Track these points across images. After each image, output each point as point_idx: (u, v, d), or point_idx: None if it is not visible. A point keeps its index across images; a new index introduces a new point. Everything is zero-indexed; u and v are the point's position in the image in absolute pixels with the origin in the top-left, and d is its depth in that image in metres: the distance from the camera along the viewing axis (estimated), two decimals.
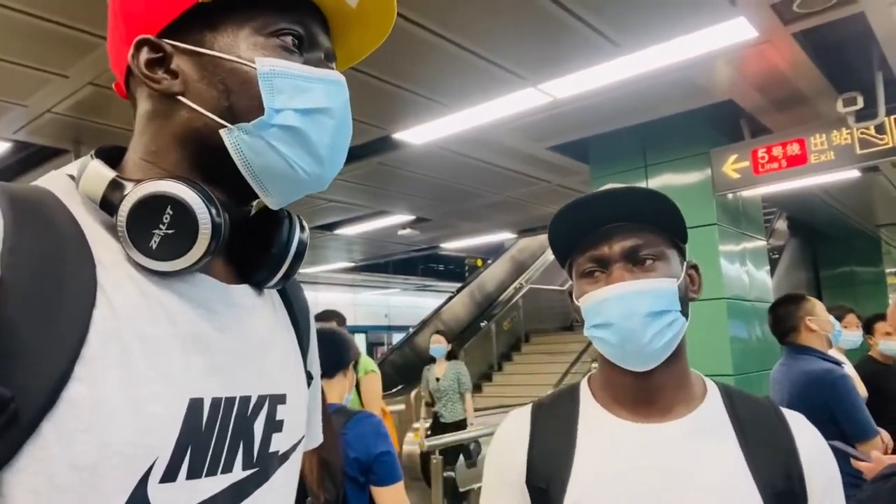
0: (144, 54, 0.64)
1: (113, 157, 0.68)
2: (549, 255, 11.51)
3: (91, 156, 0.65)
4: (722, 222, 4.78)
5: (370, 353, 16.35)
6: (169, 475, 0.57)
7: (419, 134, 4.64)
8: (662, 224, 0.95)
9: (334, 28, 0.72)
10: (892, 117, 4.02)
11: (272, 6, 0.66)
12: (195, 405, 0.60)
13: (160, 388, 0.57)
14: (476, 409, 6.58)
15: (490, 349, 9.82)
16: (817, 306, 2.71)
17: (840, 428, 2.35)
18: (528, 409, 1.05)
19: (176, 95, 0.64)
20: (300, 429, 0.74)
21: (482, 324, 10.05)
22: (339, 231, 7.94)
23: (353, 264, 11.67)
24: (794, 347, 2.66)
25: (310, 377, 0.80)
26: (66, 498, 0.52)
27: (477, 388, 9.51)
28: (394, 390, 8.64)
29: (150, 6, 0.64)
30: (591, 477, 0.92)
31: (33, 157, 4.86)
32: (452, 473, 4.67)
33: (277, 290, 0.78)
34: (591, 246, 0.95)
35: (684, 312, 0.94)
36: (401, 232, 8.25)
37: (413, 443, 4.77)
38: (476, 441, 4.95)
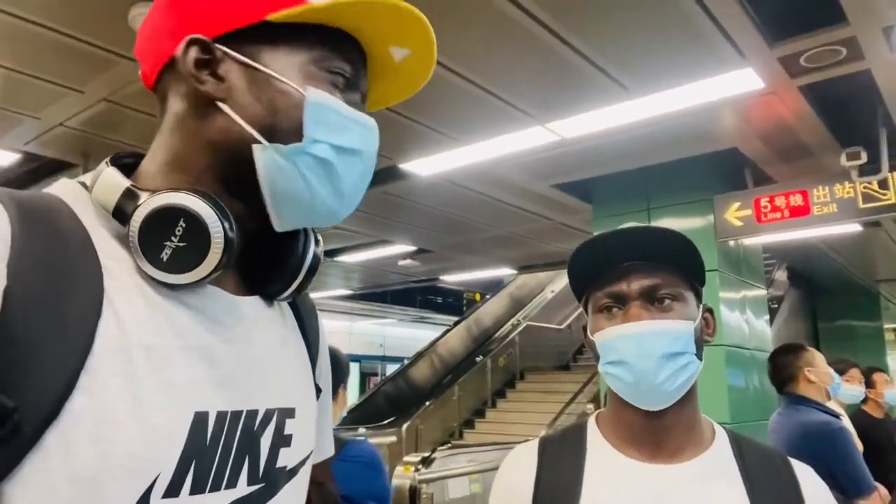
0: (194, 53, 0.64)
1: (128, 165, 0.68)
2: (548, 294, 11.50)
3: (106, 163, 0.65)
4: (723, 269, 4.77)
5: (363, 382, 16.21)
6: (172, 490, 0.56)
7: (426, 165, 4.68)
8: (681, 265, 0.95)
9: (370, 75, 0.73)
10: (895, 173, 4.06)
11: (330, 43, 0.67)
12: (200, 419, 0.59)
13: (164, 401, 0.57)
14: (467, 446, 6.48)
15: (484, 385, 9.72)
16: (817, 357, 2.70)
17: (838, 481, 2.32)
18: (535, 443, 1.05)
19: (215, 101, 0.64)
20: (309, 443, 0.73)
21: (477, 358, 9.98)
22: (340, 258, 7.94)
23: (351, 292, 11.64)
24: (793, 398, 2.65)
25: (319, 390, 0.78)
26: None
27: (469, 424, 9.40)
28: (385, 422, 8.53)
29: (214, 10, 0.65)
30: None
31: (41, 169, 4.88)
32: None
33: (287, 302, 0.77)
34: (609, 282, 0.95)
35: (699, 355, 0.94)
36: (401, 262, 8.25)
37: (403, 476, 4.70)
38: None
